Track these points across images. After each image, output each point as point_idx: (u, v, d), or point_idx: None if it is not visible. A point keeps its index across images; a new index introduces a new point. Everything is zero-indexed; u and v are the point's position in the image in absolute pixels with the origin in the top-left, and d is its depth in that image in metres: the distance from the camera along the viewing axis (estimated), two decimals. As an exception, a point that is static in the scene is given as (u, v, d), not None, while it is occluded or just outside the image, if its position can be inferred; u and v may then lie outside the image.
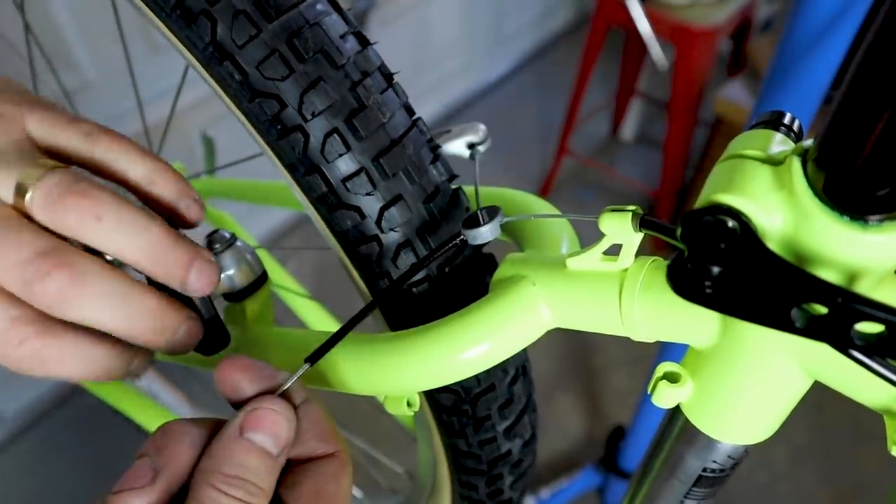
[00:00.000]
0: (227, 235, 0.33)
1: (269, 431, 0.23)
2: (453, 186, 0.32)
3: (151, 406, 0.70)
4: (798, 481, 1.32)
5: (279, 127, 0.28)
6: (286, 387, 0.25)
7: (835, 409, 1.39)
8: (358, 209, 0.28)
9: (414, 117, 0.31)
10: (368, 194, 0.28)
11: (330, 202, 0.28)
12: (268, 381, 0.25)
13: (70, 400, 1.43)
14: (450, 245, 0.28)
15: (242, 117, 0.30)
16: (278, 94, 0.28)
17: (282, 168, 0.30)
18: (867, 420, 1.36)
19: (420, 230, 0.30)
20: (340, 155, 0.28)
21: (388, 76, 0.30)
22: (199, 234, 0.50)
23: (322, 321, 0.73)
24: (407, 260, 0.30)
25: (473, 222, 0.27)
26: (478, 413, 0.34)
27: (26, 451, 1.37)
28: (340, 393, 0.30)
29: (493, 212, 0.27)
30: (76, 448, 1.37)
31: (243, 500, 0.22)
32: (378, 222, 0.29)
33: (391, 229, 0.29)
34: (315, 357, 0.27)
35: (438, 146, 0.31)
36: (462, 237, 0.27)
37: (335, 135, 0.28)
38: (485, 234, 0.27)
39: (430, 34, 1.98)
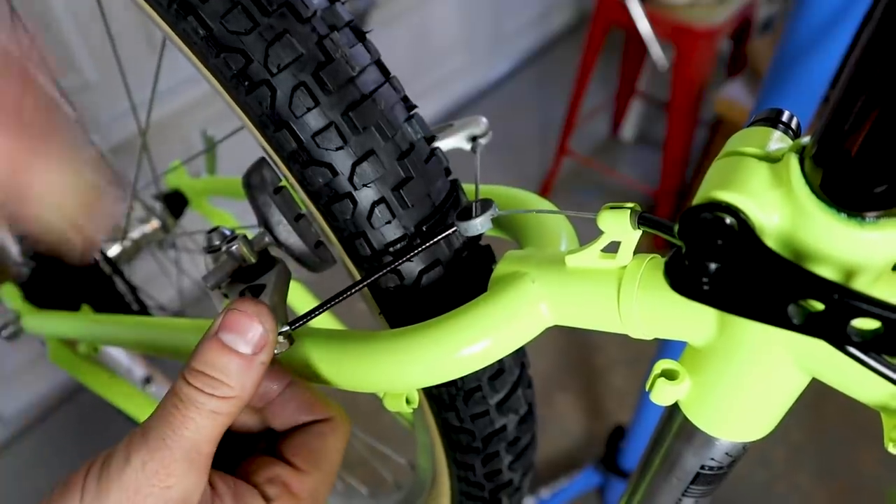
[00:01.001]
0: (228, 233, 0.33)
1: (239, 331, 0.25)
2: (451, 179, 0.32)
3: (152, 405, 0.70)
4: (796, 481, 1.32)
5: (246, 83, 0.28)
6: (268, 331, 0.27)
7: (833, 409, 1.39)
8: (329, 165, 0.28)
9: (389, 75, 0.30)
10: (339, 149, 0.28)
11: (301, 159, 0.28)
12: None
13: (70, 400, 1.43)
14: (443, 235, 0.28)
15: (213, 79, 0.30)
16: (243, 48, 0.28)
17: (260, 137, 0.30)
18: (865, 420, 1.36)
19: (395, 187, 0.29)
20: (309, 109, 0.28)
21: (359, 33, 0.30)
22: (199, 232, 0.50)
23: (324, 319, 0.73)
24: (382, 217, 0.29)
25: (466, 214, 0.27)
26: (467, 384, 0.33)
27: (26, 451, 1.37)
28: (341, 390, 0.30)
29: (486, 205, 0.27)
30: (76, 448, 1.37)
31: (206, 391, 0.25)
32: (350, 178, 0.28)
33: (364, 185, 0.28)
34: (296, 323, 0.28)
35: (414, 105, 0.31)
36: (455, 228, 0.27)
37: (302, 88, 0.28)
38: (476, 225, 0.27)
39: (430, 34, 1.98)
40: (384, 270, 0.28)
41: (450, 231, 0.28)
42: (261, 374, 0.26)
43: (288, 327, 0.28)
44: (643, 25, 1.51)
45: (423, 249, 0.28)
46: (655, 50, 1.56)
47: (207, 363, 0.25)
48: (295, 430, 0.30)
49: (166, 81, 1.28)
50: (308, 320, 0.28)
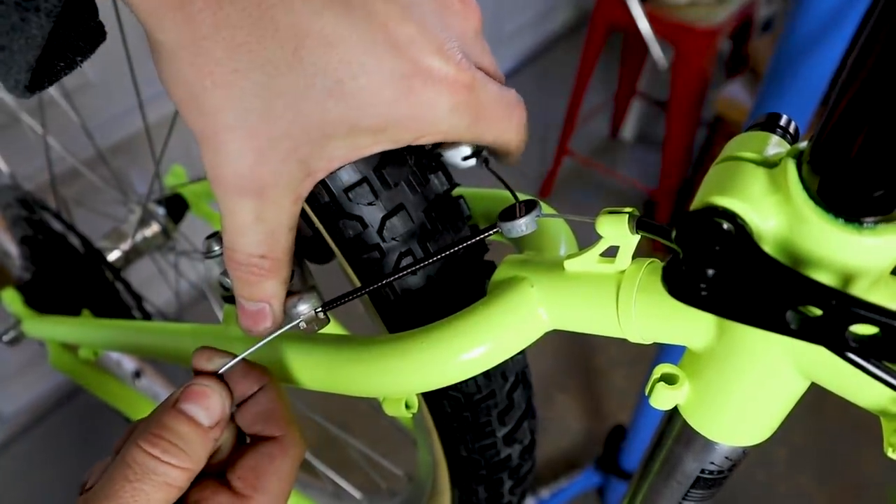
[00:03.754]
0: None
1: (201, 404, 0.25)
2: (455, 193, 0.32)
3: (151, 406, 0.70)
4: (797, 481, 1.32)
5: None
6: (231, 364, 0.27)
7: (834, 410, 1.39)
8: (360, 219, 0.28)
9: None
10: (370, 204, 0.28)
11: (332, 211, 0.28)
12: (218, 363, 0.27)
13: (70, 400, 1.43)
14: (484, 235, 0.27)
15: None
16: None
17: None
18: (866, 421, 1.36)
19: (421, 239, 0.29)
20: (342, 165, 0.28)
21: None
22: (198, 237, 0.50)
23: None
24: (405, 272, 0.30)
25: (510, 215, 0.26)
26: (478, 419, 0.34)
27: (26, 451, 1.37)
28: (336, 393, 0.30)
29: (531, 205, 0.27)
30: (76, 448, 1.37)
31: (160, 458, 0.24)
32: (380, 232, 0.28)
33: (393, 238, 0.29)
34: (332, 304, 0.28)
35: (439, 154, 0.31)
36: (497, 228, 0.27)
37: None
38: (521, 226, 0.26)
39: (430, 34, 1.98)
40: (406, 272, 0.28)
41: (492, 231, 0.27)
42: (211, 450, 0.26)
43: (322, 307, 0.28)
44: (643, 25, 1.51)
45: (459, 250, 0.28)
46: (655, 50, 1.55)
47: (167, 428, 0.24)
48: (244, 449, 0.28)
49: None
50: (344, 302, 0.28)
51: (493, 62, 0.27)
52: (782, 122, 0.23)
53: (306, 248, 0.31)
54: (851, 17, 0.69)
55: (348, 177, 0.27)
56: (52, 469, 1.34)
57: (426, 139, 0.24)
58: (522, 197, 0.29)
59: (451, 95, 0.23)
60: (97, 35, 0.26)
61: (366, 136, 0.23)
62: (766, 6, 1.98)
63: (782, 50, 0.75)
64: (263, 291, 0.26)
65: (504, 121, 0.26)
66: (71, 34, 0.25)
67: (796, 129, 0.23)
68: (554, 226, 0.31)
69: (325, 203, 0.28)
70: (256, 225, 0.24)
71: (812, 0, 0.70)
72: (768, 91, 0.78)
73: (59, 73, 0.26)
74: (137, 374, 0.73)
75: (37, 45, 0.23)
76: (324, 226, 0.29)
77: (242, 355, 0.27)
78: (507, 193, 0.30)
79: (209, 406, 0.25)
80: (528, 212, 0.26)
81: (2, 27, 0.22)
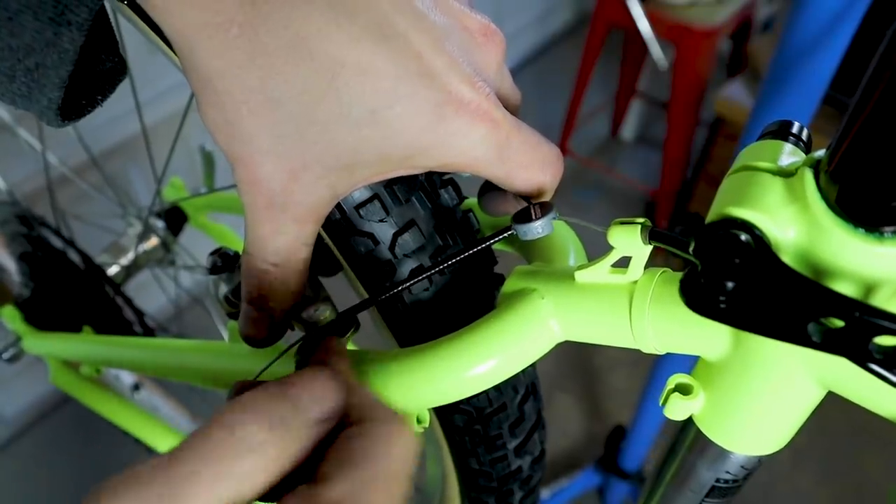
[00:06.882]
0: (231, 253, 0.32)
1: (312, 393, 0.20)
2: (464, 206, 0.31)
3: (150, 421, 0.69)
4: (798, 482, 1.32)
5: None
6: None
7: (835, 411, 1.38)
8: (371, 235, 0.28)
9: None
10: (381, 221, 0.28)
11: (343, 228, 0.28)
12: None
13: (70, 400, 1.43)
14: (498, 238, 0.27)
15: None
16: None
17: None
18: (867, 421, 1.36)
19: (433, 254, 0.29)
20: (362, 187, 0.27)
21: None
22: (202, 252, 0.50)
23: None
24: (419, 284, 0.29)
25: (525, 217, 0.26)
26: (489, 432, 0.34)
27: (26, 451, 1.37)
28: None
29: (546, 207, 0.26)
30: (76, 448, 1.37)
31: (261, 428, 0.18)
32: (391, 248, 0.28)
33: (404, 254, 0.28)
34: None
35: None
36: (512, 231, 0.26)
37: None
38: (537, 228, 0.26)
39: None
40: (419, 279, 0.28)
41: (506, 233, 0.27)
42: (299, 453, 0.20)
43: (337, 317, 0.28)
44: (643, 25, 1.51)
45: (471, 254, 0.27)
46: (655, 50, 1.55)
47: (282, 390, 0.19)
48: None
49: (166, 82, 1.28)
50: (361, 311, 0.28)
51: (514, 88, 0.27)
52: (794, 129, 0.23)
53: (313, 261, 0.31)
54: (851, 17, 0.69)
55: (360, 194, 0.27)
56: (52, 469, 1.34)
57: (450, 167, 0.25)
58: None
59: (480, 125, 0.24)
60: (118, 71, 0.27)
61: (392, 161, 0.24)
62: (766, 6, 1.98)
63: (782, 50, 0.75)
64: (270, 299, 0.26)
65: (535, 171, 0.26)
66: (92, 72, 0.26)
67: (809, 137, 0.23)
68: (562, 235, 0.30)
69: (336, 220, 0.27)
70: (277, 237, 0.25)
71: (812, 0, 0.70)
72: (768, 91, 0.78)
73: (84, 110, 0.27)
74: (136, 388, 0.73)
75: (69, 59, 0.23)
76: (334, 242, 0.29)
77: (262, 370, 0.27)
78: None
79: (322, 397, 0.20)
80: (543, 214, 0.26)
81: (37, 44, 0.23)
